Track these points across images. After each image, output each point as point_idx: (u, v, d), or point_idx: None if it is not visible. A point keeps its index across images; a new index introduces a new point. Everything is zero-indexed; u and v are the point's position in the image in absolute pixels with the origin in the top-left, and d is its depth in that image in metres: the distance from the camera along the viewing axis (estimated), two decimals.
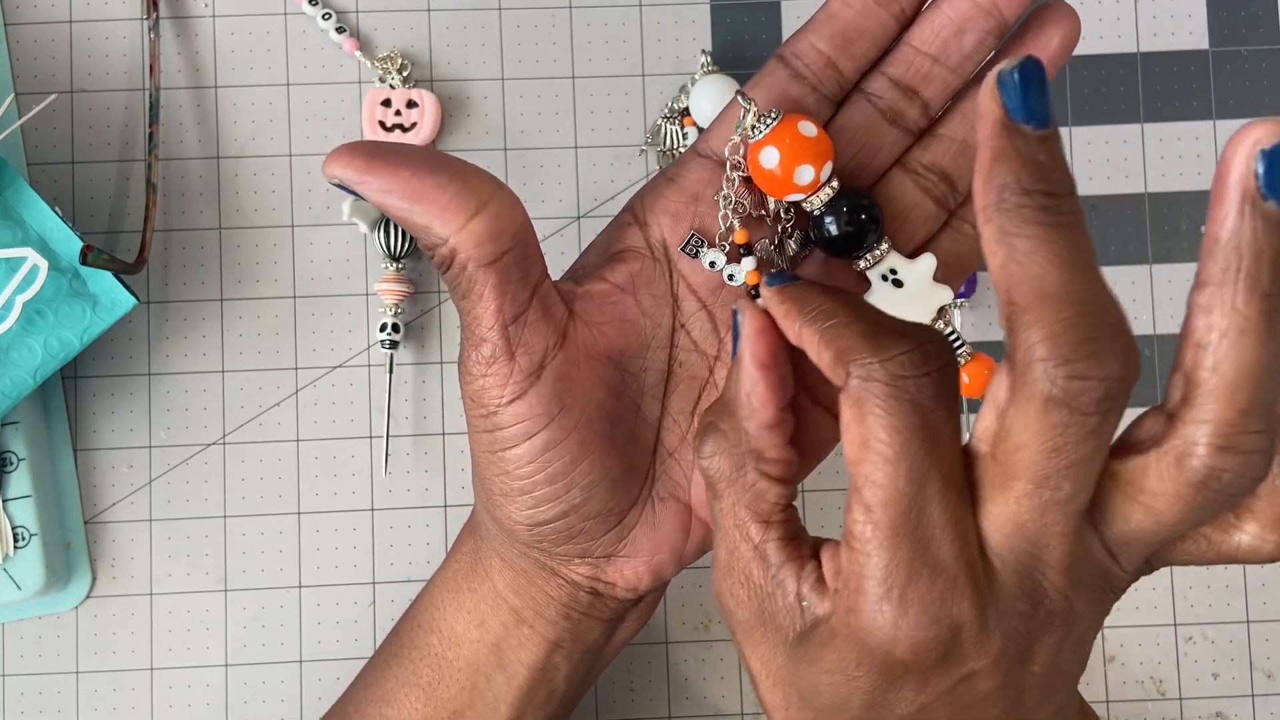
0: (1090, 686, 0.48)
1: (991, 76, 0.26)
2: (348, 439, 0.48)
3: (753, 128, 0.33)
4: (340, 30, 0.48)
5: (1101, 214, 0.49)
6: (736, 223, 0.34)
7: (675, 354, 0.35)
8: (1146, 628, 0.48)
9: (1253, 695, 0.48)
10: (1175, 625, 0.48)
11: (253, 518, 0.48)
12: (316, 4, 0.48)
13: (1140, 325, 0.49)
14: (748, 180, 0.34)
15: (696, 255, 0.34)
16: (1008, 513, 0.26)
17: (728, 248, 0.34)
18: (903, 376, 0.26)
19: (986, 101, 0.26)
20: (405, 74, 0.48)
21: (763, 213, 0.34)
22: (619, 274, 0.34)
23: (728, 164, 0.34)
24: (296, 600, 0.47)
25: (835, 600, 0.28)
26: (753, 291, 0.34)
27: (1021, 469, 0.26)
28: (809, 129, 0.32)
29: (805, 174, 0.32)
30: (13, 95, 0.47)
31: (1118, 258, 0.49)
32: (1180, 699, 0.48)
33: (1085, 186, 0.49)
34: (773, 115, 0.32)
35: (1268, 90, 0.49)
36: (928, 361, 0.26)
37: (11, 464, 0.45)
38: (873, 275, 0.34)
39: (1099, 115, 0.49)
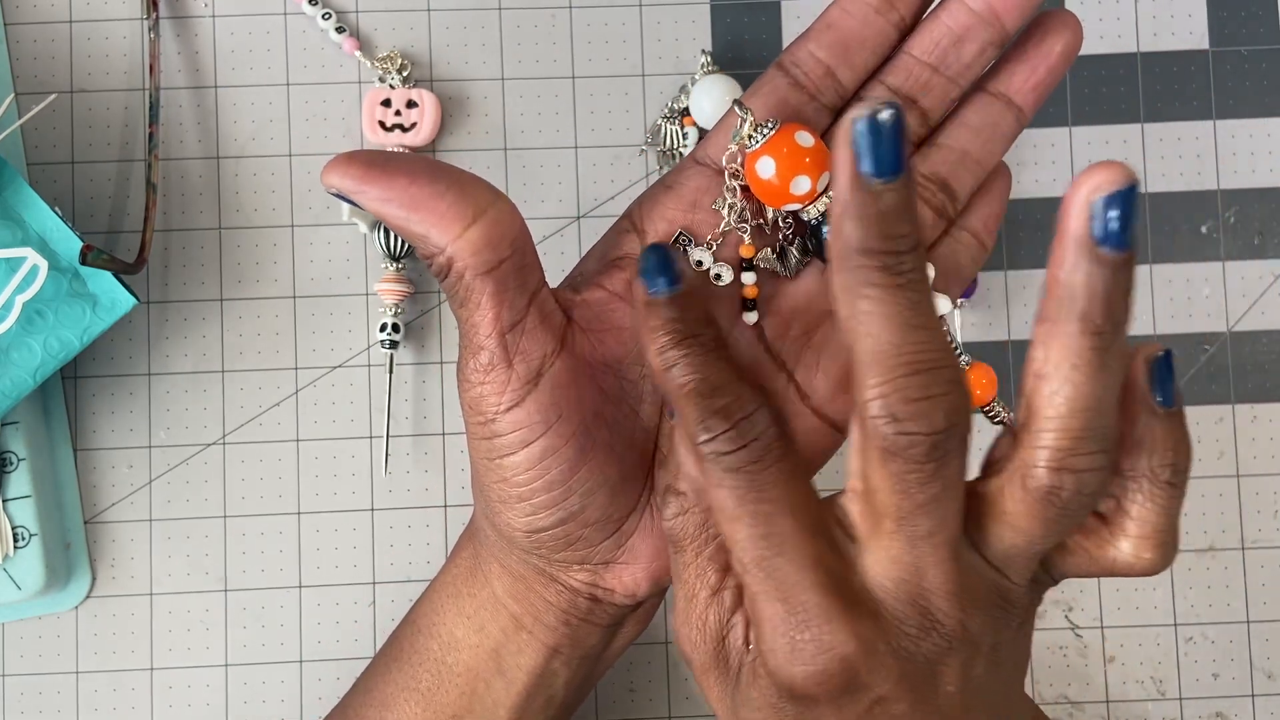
0: (1090, 686, 0.48)
1: (845, 123, 0.26)
2: (348, 439, 0.48)
3: (749, 137, 0.32)
4: (340, 30, 0.48)
5: None
6: (746, 237, 0.34)
7: None
8: (1146, 628, 0.48)
9: (1253, 695, 0.48)
10: (1175, 625, 0.48)
11: (253, 518, 0.48)
12: (316, 4, 0.48)
13: (1140, 325, 0.49)
14: (746, 189, 0.34)
15: (685, 252, 0.34)
16: (881, 549, 0.28)
17: (714, 248, 0.34)
18: (723, 453, 0.28)
19: (840, 150, 0.27)
20: (405, 74, 0.48)
21: (760, 221, 0.34)
22: (617, 281, 0.34)
23: (726, 173, 0.34)
24: (296, 600, 0.47)
25: (755, 643, 0.29)
26: (747, 304, 0.34)
27: (883, 509, 0.28)
28: (806, 139, 0.32)
29: (802, 184, 0.32)
30: (13, 95, 0.47)
31: None
32: (1180, 699, 0.48)
33: None
34: (770, 125, 0.32)
35: (1268, 90, 0.49)
36: (744, 436, 0.28)
37: (11, 464, 0.45)
38: None
39: (1099, 115, 0.49)
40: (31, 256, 0.42)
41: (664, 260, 0.30)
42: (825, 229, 0.33)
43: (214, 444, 0.48)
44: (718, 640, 0.30)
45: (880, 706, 0.28)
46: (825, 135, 0.34)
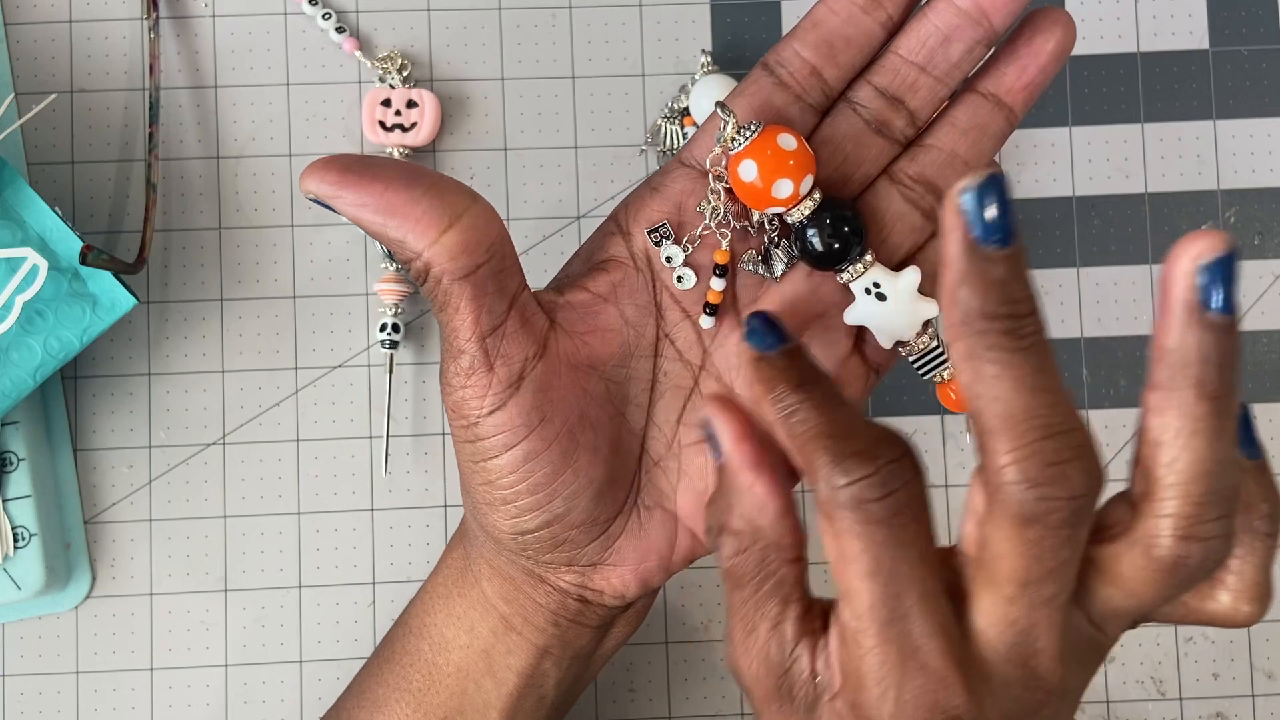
0: (1091, 686, 0.48)
1: (954, 192, 0.26)
2: (348, 439, 0.48)
3: (732, 139, 0.32)
4: (340, 30, 0.48)
5: (1101, 214, 0.49)
6: (724, 243, 0.33)
7: (659, 363, 0.35)
8: (1146, 628, 0.48)
9: (1253, 695, 0.48)
10: (1175, 625, 0.48)
11: (253, 518, 0.48)
12: (316, 4, 0.48)
13: (1141, 325, 0.49)
14: (730, 191, 0.33)
15: (659, 244, 0.34)
16: (997, 612, 0.27)
17: (690, 250, 0.34)
18: (866, 500, 0.27)
19: (950, 219, 0.26)
20: (405, 74, 0.48)
21: (746, 224, 0.34)
22: (601, 283, 0.34)
23: (710, 175, 0.33)
24: (296, 600, 0.47)
25: (840, 688, 0.28)
26: (708, 308, 0.34)
27: (1005, 575, 0.27)
28: (788, 142, 0.32)
29: (784, 188, 0.32)
30: (13, 95, 0.47)
31: (1118, 258, 0.49)
32: (1180, 699, 0.48)
33: (1085, 186, 0.49)
34: (752, 127, 0.32)
35: (1268, 90, 0.49)
36: (889, 484, 0.27)
37: (11, 464, 0.45)
38: (855, 288, 0.33)
39: (1099, 115, 0.49)
40: (31, 256, 0.42)
41: (769, 322, 0.30)
42: (810, 233, 0.33)
43: (214, 444, 0.48)
44: (781, 672, 0.30)
45: None
46: (811, 136, 0.34)
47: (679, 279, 0.34)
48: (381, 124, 0.47)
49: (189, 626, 0.47)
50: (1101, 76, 0.49)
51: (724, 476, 0.30)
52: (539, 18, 0.49)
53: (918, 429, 0.48)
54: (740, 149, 0.32)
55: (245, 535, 0.47)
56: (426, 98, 0.47)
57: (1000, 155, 0.49)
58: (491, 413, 0.32)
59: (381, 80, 0.48)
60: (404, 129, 0.47)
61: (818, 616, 0.30)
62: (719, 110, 0.32)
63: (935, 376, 0.35)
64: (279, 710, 0.47)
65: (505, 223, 0.35)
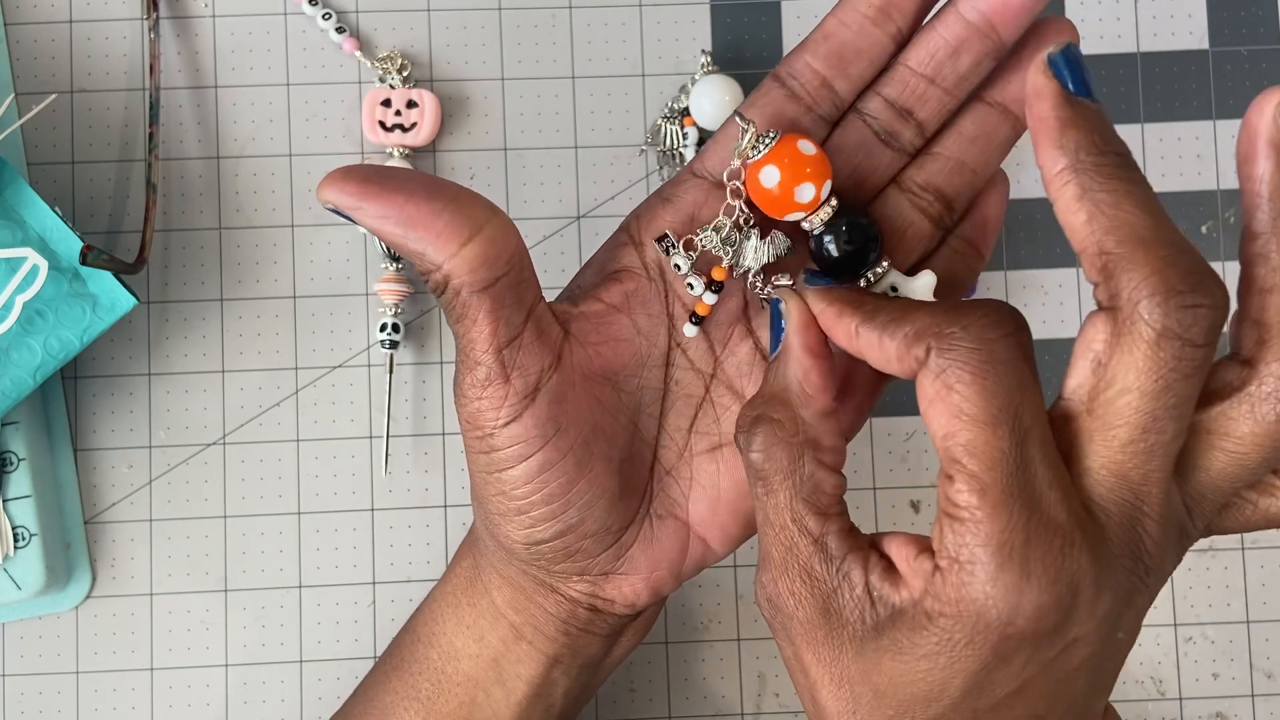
0: None
1: (1041, 59, 0.28)
2: (348, 439, 0.48)
3: (752, 148, 0.32)
4: (340, 30, 0.48)
5: None
6: (725, 260, 0.33)
7: (671, 372, 0.35)
8: (1146, 628, 0.48)
9: (1253, 695, 0.48)
10: (1175, 625, 0.48)
11: (253, 518, 0.48)
12: (316, 4, 0.48)
13: None
14: (750, 203, 0.34)
15: (668, 253, 0.34)
16: (1111, 464, 0.27)
17: (694, 259, 0.34)
18: (988, 339, 0.27)
19: (1042, 80, 0.28)
20: (405, 74, 0.48)
21: (755, 228, 0.34)
22: (614, 294, 0.34)
23: (728, 190, 0.33)
24: (296, 600, 0.47)
25: (938, 579, 0.27)
26: (694, 318, 0.34)
27: (1126, 415, 0.26)
28: (808, 147, 0.32)
29: (806, 192, 0.32)
30: (13, 95, 0.47)
31: None
32: (1180, 699, 0.48)
33: None
34: (771, 135, 0.32)
35: None
36: (1004, 323, 0.27)
37: (11, 464, 0.45)
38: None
39: None
40: (31, 256, 0.42)
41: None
42: (828, 239, 0.33)
43: (214, 444, 0.48)
44: (829, 591, 0.28)
45: (1066, 653, 0.27)
46: (822, 146, 0.34)
47: (690, 286, 0.34)
48: (381, 124, 0.47)
49: (189, 626, 0.47)
50: (1101, 76, 0.49)
51: (775, 367, 0.30)
52: (539, 18, 0.49)
53: (918, 429, 0.48)
54: (760, 156, 0.32)
55: (245, 535, 0.47)
56: (426, 98, 0.47)
57: None
58: (507, 424, 0.32)
59: (381, 80, 0.48)
60: (404, 129, 0.47)
61: (864, 540, 0.29)
62: (738, 119, 0.33)
63: None
64: (279, 710, 0.47)
65: None
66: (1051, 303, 0.49)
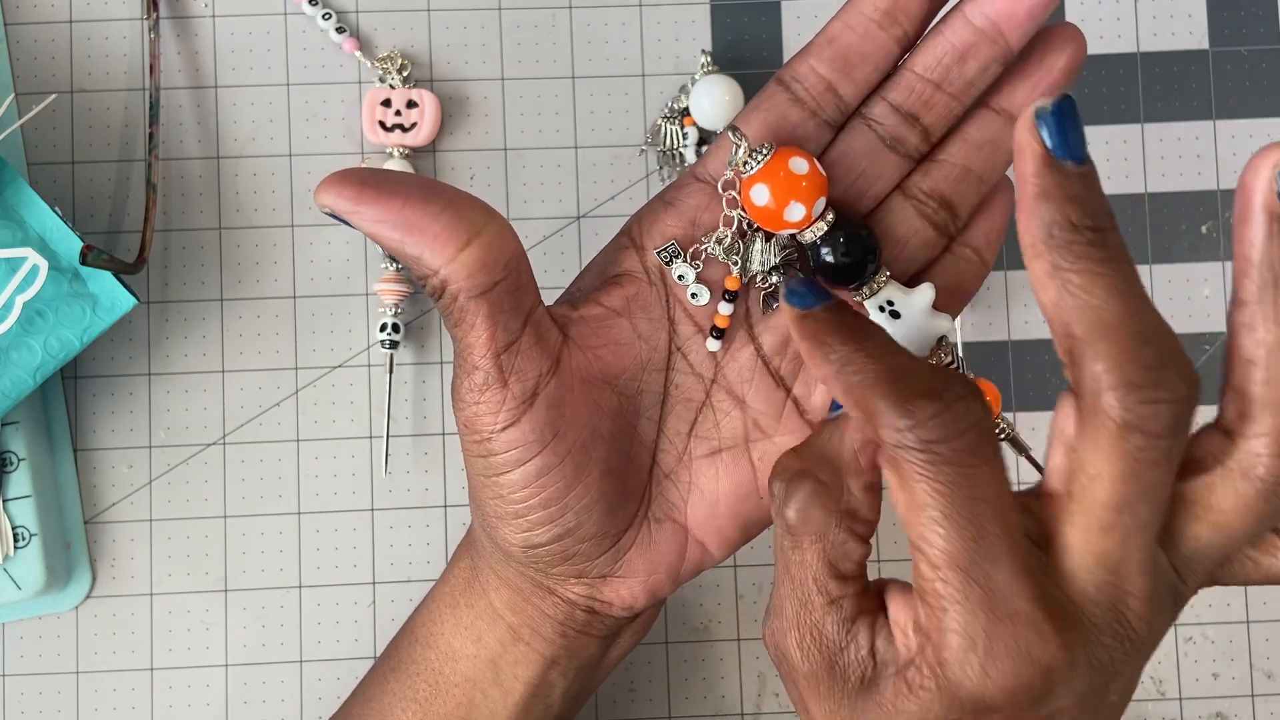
0: None
1: (1029, 113, 0.26)
2: (348, 439, 0.48)
3: (744, 164, 0.32)
4: (340, 30, 0.48)
5: None
6: (735, 270, 0.33)
7: (671, 377, 0.35)
8: None
9: (1253, 695, 0.48)
10: (1175, 625, 0.48)
11: (253, 518, 0.48)
12: (316, 4, 0.48)
13: None
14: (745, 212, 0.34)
15: (670, 263, 0.34)
16: (1090, 546, 0.27)
17: (701, 267, 0.34)
18: (936, 441, 0.26)
19: (1026, 137, 0.26)
20: (405, 74, 0.48)
21: (758, 235, 0.34)
22: (615, 298, 0.34)
23: (724, 200, 0.33)
24: (296, 600, 0.47)
25: (919, 652, 0.27)
26: (715, 332, 0.34)
27: (1100, 499, 0.26)
28: (800, 165, 0.32)
29: (796, 211, 0.32)
30: (13, 95, 0.47)
31: None
32: (1180, 699, 0.48)
33: None
34: (765, 150, 0.32)
35: (1268, 90, 0.49)
36: (959, 422, 0.26)
37: (11, 464, 0.45)
38: (869, 306, 0.33)
39: (1099, 115, 0.49)
40: (31, 256, 0.42)
41: (809, 282, 0.29)
42: (824, 252, 0.33)
43: (214, 444, 0.48)
44: (835, 651, 0.29)
45: (1054, 718, 0.27)
46: (825, 152, 0.34)
47: (693, 295, 0.34)
48: (381, 124, 0.47)
49: (189, 626, 0.47)
50: (1101, 76, 0.49)
51: (828, 428, 0.30)
52: (539, 18, 0.49)
53: None
54: (752, 173, 0.32)
55: (245, 535, 0.47)
56: (426, 98, 0.47)
57: None
58: (505, 429, 0.32)
59: (381, 80, 0.48)
60: (404, 129, 0.47)
61: (874, 597, 0.29)
62: (730, 135, 0.32)
63: None
64: (279, 710, 0.47)
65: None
66: None
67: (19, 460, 0.45)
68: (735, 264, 0.33)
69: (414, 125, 0.47)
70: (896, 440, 0.26)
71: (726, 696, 0.48)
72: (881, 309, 0.33)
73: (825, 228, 0.33)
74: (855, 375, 0.27)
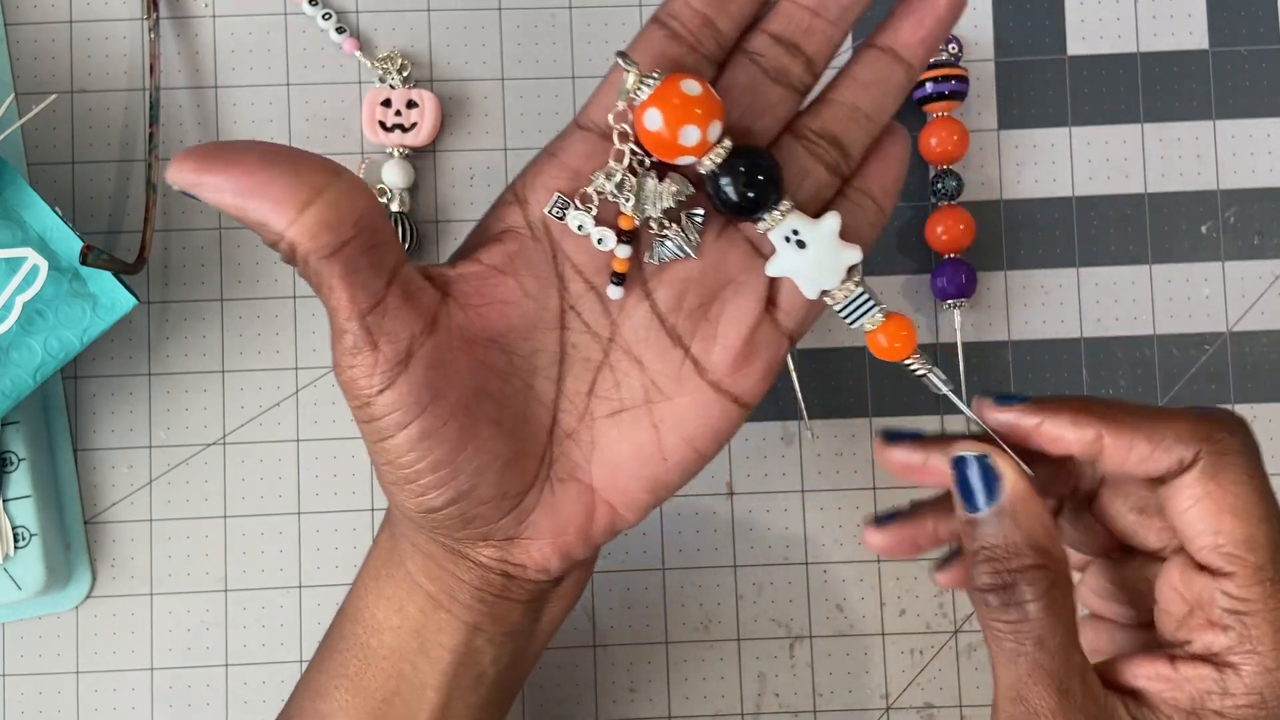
0: None
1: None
2: (348, 439, 0.48)
3: (635, 89, 0.31)
4: (340, 30, 0.48)
5: (1101, 214, 0.49)
6: (627, 208, 0.32)
7: (567, 335, 0.34)
8: None
9: None
10: None
11: (253, 518, 0.48)
12: (316, 4, 0.48)
13: (1140, 326, 0.49)
14: (640, 145, 0.32)
15: (563, 218, 0.32)
16: None
17: (594, 211, 0.32)
18: (1251, 444, 0.30)
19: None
20: (405, 74, 0.48)
21: (651, 170, 0.33)
22: (495, 255, 0.33)
23: (615, 134, 0.32)
24: (296, 600, 0.47)
25: (1223, 681, 0.30)
26: (615, 278, 0.33)
27: None
28: (692, 87, 0.31)
29: (690, 134, 0.31)
30: (13, 95, 0.47)
31: (1118, 258, 0.49)
32: None
33: (1085, 186, 0.49)
34: (655, 76, 0.31)
35: (1267, 90, 0.49)
36: (1251, 431, 0.30)
37: (11, 464, 0.45)
38: (774, 238, 0.32)
39: (1099, 115, 0.49)
40: (31, 256, 0.42)
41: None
42: (724, 181, 0.32)
43: (214, 444, 0.48)
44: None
45: None
46: (713, 86, 0.33)
47: (599, 241, 0.33)
48: (381, 124, 0.47)
49: (189, 626, 0.47)
50: (1101, 76, 0.49)
51: (1003, 522, 0.31)
52: (539, 18, 0.49)
53: (917, 429, 0.48)
54: (644, 99, 0.31)
55: (245, 535, 0.47)
56: (426, 98, 0.47)
57: (1000, 156, 0.49)
58: (381, 391, 0.31)
59: (381, 80, 0.48)
60: (404, 129, 0.47)
61: (1105, 677, 0.32)
62: (620, 61, 0.32)
63: (864, 324, 0.34)
64: (279, 710, 0.47)
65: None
66: (1051, 303, 0.49)
67: (19, 460, 0.45)
68: (628, 200, 0.32)
69: (414, 125, 0.47)
70: (1222, 449, 0.30)
71: (726, 696, 0.48)
72: (787, 239, 0.32)
73: (724, 154, 0.32)
74: (1134, 415, 0.32)
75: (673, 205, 0.32)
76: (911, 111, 0.49)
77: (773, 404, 0.48)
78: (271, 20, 0.49)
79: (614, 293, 0.33)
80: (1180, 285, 0.49)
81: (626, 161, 0.32)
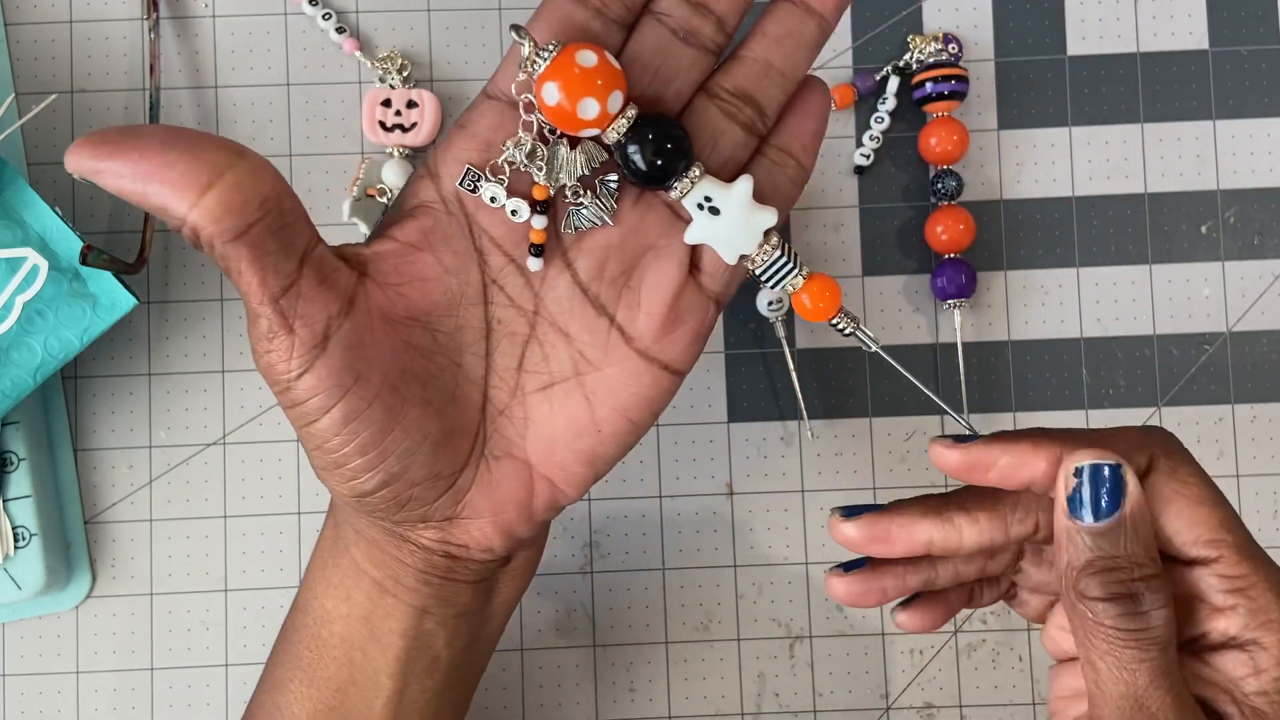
0: None
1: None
2: None
3: (532, 62, 0.31)
4: (340, 30, 0.48)
5: (1101, 214, 0.49)
6: (540, 177, 0.32)
7: (491, 310, 0.33)
8: None
9: None
10: None
11: (253, 518, 0.48)
12: (316, 4, 0.48)
13: (1140, 326, 0.49)
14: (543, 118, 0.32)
15: (475, 190, 0.32)
16: None
17: (506, 182, 0.32)
18: (1184, 446, 0.32)
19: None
20: (405, 74, 0.48)
21: (562, 140, 0.32)
22: (410, 231, 0.33)
23: (521, 106, 0.32)
24: None
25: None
26: (534, 249, 0.32)
27: None
28: (588, 58, 0.30)
29: (590, 108, 0.30)
30: (13, 95, 0.47)
31: (1118, 258, 0.49)
32: None
33: (1085, 186, 0.49)
34: (551, 47, 0.31)
35: (1268, 90, 0.49)
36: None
37: (11, 464, 0.45)
38: (688, 205, 0.32)
39: (1099, 115, 0.49)
40: (31, 256, 0.42)
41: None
42: (631, 150, 0.31)
43: (214, 444, 0.48)
44: None
45: None
46: (619, 54, 0.32)
47: (513, 213, 0.32)
48: (381, 124, 0.47)
49: (189, 626, 0.47)
50: (1101, 76, 0.49)
51: (1126, 530, 0.31)
52: None
53: (916, 429, 0.48)
54: (541, 71, 0.31)
55: (245, 535, 0.47)
56: (426, 98, 0.47)
57: (1000, 156, 0.49)
58: (300, 375, 0.31)
59: (381, 80, 0.48)
60: (404, 129, 0.47)
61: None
62: (514, 34, 0.31)
63: (786, 287, 0.34)
64: None
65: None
66: (1051, 303, 0.49)
67: (19, 460, 0.45)
68: (540, 169, 0.32)
69: (414, 125, 0.47)
70: (1171, 448, 0.32)
71: (726, 696, 0.48)
72: (700, 206, 0.32)
73: (628, 124, 0.31)
74: (1088, 432, 0.33)
75: (586, 173, 0.32)
76: (911, 111, 0.49)
77: (773, 404, 0.48)
78: (271, 20, 0.49)
79: (533, 264, 0.32)
80: (1180, 285, 0.49)
81: (536, 130, 0.32)
